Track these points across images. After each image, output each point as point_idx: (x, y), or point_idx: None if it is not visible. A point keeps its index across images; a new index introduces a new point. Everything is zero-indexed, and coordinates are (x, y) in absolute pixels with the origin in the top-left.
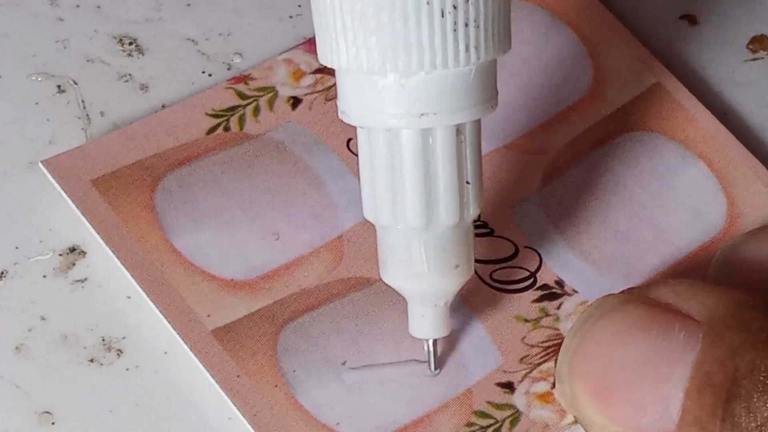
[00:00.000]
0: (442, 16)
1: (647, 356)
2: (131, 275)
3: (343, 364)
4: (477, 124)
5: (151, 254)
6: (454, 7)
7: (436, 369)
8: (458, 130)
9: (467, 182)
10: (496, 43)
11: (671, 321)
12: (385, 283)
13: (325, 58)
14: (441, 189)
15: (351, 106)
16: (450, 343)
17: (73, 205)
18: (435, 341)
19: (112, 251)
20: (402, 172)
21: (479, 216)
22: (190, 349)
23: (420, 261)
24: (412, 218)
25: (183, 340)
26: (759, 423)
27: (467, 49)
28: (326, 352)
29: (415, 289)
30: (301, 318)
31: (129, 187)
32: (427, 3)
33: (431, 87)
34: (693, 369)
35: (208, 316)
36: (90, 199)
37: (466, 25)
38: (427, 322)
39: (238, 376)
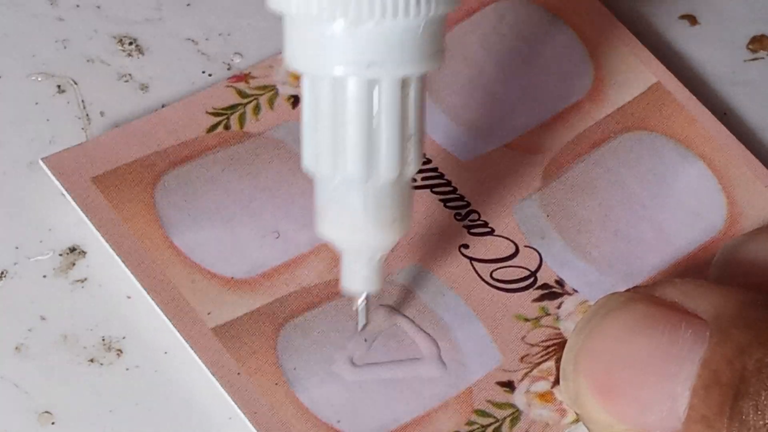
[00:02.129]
0: None
1: (653, 354)
2: (131, 273)
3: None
4: (423, 79)
5: (152, 252)
6: None
7: (362, 328)
8: (404, 83)
9: (409, 137)
10: None
11: (678, 319)
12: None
13: (274, 4)
14: (383, 142)
15: (297, 53)
16: (450, 341)
17: (73, 203)
18: (367, 296)
19: (112, 249)
20: (345, 123)
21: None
22: (191, 347)
23: (358, 213)
24: (352, 169)
25: (183, 338)
26: (767, 421)
27: (418, 0)
28: (326, 350)
29: (351, 241)
30: (302, 316)
31: (129, 184)
32: None
33: (380, 37)
34: (700, 367)
35: (209, 314)
36: (90, 196)
37: None
38: (360, 276)
39: (238, 373)
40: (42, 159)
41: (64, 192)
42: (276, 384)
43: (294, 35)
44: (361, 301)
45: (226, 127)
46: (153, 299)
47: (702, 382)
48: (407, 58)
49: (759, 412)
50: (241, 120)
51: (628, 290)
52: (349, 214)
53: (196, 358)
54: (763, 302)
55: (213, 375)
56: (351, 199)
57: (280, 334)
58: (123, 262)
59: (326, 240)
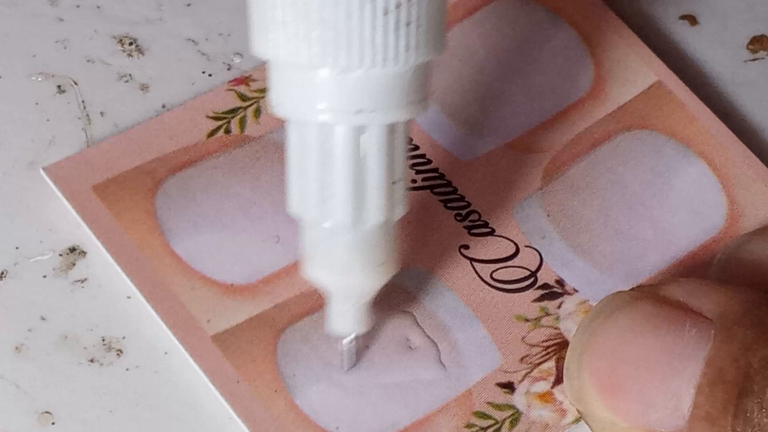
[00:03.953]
0: (385, 14)
1: (658, 353)
2: (131, 281)
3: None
4: (408, 124)
5: (152, 260)
6: (397, 6)
7: (347, 369)
8: (391, 128)
9: (394, 182)
10: (434, 44)
11: (682, 318)
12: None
13: (261, 50)
14: (371, 187)
15: (285, 99)
16: (450, 342)
17: (73, 212)
18: (354, 337)
19: (112, 257)
20: (333, 169)
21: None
22: (190, 355)
23: (346, 257)
24: (341, 215)
25: (183, 345)
26: None
27: (407, 48)
28: (326, 356)
29: (339, 285)
30: (301, 322)
31: (129, 191)
32: (371, 0)
33: (369, 84)
34: (705, 365)
35: (208, 321)
36: (90, 205)
37: (408, 24)
38: (348, 318)
39: (237, 381)
40: (42, 168)
41: (65, 201)
42: (276, 391)
43: (280, 81)
44: (348, 342)
45: (227, 131)
46: (153, 307)
47: (707, 380)
48: (395, 104)
49: (763, 410)
50: (242, 123)
51: (632, 289)
52: (337, 258)
53: (196, 366)
54: (767, 301)
55: (212, 383)
56: (339, 244)
57: (280, 340)
58: (123, 270)
59: (313, 284)
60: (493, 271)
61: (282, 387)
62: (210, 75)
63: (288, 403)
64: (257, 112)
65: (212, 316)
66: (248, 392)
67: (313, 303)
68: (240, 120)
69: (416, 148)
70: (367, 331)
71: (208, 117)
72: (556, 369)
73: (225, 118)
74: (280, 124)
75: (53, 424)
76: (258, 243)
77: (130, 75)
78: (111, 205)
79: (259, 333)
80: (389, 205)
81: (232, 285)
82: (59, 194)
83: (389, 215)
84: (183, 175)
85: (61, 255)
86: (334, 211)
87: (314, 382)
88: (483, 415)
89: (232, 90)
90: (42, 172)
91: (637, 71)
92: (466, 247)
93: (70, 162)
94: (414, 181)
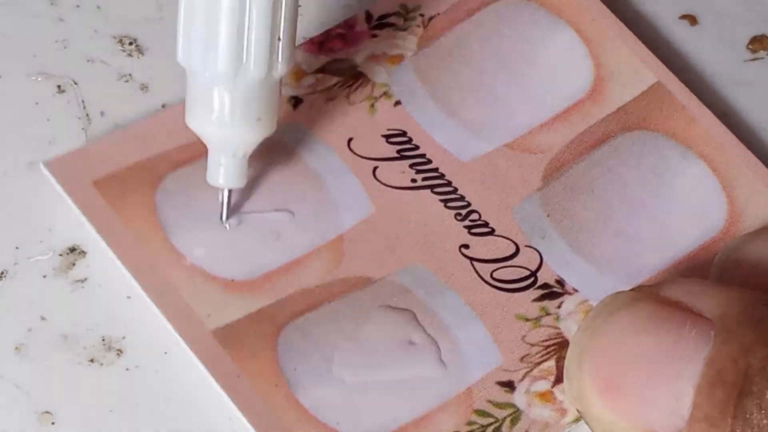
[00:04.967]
0: None
1: (658, 353)
2: (132, 276)
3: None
4: None
5: (152, 255)
6: None
7: (226, 220)
8: None
9: (279, 39)
10: None
11: (682, 318)
12: (192, 128)
13: None
14: (253, 41)
15: None
16: (450, 341)
17: (74, 207)
18: (230, 191)
19: (113, 252)
20: (218, 20)
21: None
22: (191, 349)
23: (224, 109)
24: (221, 65)
25: (183, 340)
26: None
27: None
28: (326, 351)
29: (216, 136)
30: (302, 318)
31: (130, 187)
32: None
33: None
34: (705, 366)
35: (209, 316)
36: (91, 200)
37: None
38: (223, 171)
39: (238, 375)
40: (43, 163)
41: (65, 196)
42: (276, 386)
43: None
44: (223, 196)
45: None
46: (153, 302)
47: (706, 381)
48: None
49: (763, 411)
50: None
51: (632, 289)
52: (215, 109)
53: (196, 362)
54: (767, 301)
55: (213, 377)
56: (218, 95)
57: (281, 336)
58: (124, 264)
59: (194, 133)
60: (493, 271)
61: (283, 382)
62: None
63: (289, 398)
64: None
65: (213, 311)
66: (249, 387)
67: (314, 299)
68: None
69: (416, 147)
70: (242, 186)
71: None
72: (557, 368)
73: None
74: (281, 122)
75: (53, 424)
76: (258, 239)
77: (130, 75)
78: (112, 200)
79: (260, 328)
80: (270, 61)
81: (232, 280)
82: (59, 189)
83: (269, 71)
84: (183, 172)
85: (61, 255)
86: (216, 61)
87: (315, 377)
88: (483, 413)
89: None
90: (42, 167)
91: (636, 72)
92: (466, 246)
93: (70, 157)
94: (414, 180)
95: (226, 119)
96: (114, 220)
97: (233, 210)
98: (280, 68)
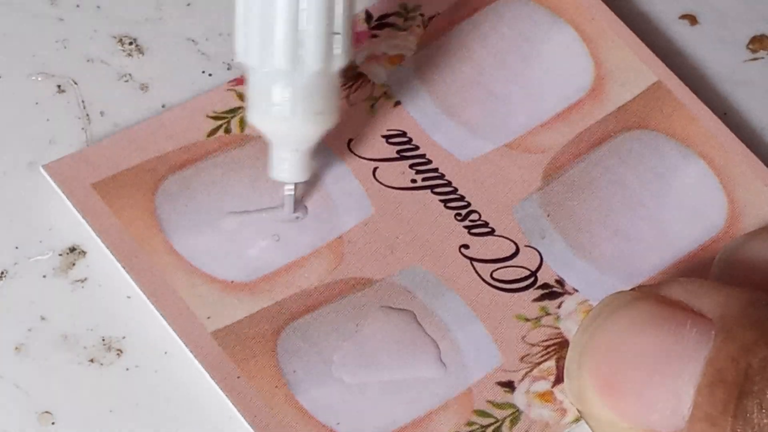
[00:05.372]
0: None
1: (658, 353)
2: (132, 278)
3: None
4: None
5: (152, 257)
6: None
7: (294, 213)
8: None
9: (336, 32)
10: None
11: (683, 318)
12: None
13: None
14: (310, 35)
15: None
16: (450, 342)
17: (74, 209)
18: (295, 185)
19: (113, 254)
20: (274, 16)
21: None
22: (190, 351)
23: (284, 104)
24: (278, 61)
25: (183, 342)
26: None
27: None
28: (326, 352)
29: (277, 132)
30: (301, 319)
31: (130, 190)
32: None
33: None
34: (705, 366)
35: (209, 317)
36: (91, 202)
37: None
38: (287, 166)
39: (238, 377)
40: (43, 166)
41: (65, 198)
42: (276, 387)
43: None
44: (288, 190)
45: (227, 131)
46: (153, 304)
47: (706, 381)
48: None
49: (763, 411)
50: (242, 123)
51: (633, 289)
52: (276, 104)
53: (196, 362)
54: (767, 301)
55: (213, 379)
56: (278, 90)
57: (280, 337)
58: (123, 267)
59: (256, 130)
60: (493, 271)
61: (282, 383)
62: (210, 75)
63: (288, 398)
64: None
65: (212, 312)
66: (248, 388)
67: (313, 301)
68: (240, 120)
69: (416, 148)
70: (306, 180)
71: (208, 116)
72: (557, 368)
73: (225, 117)
74: None
75: (53, 424)
76: (258, 241)
77: (129, 75)
78: (111, 202)
79: (260, 330)
80: (327, 55)
81: (232, 282)
82: (59, 192)
83: (326, 65)
84: (183, 174)
85: (60, 255)
86: (273, 57)
87: (315, 378)
88: (483, 414)
89: (231, 90)
90: (42, 170)
91: (636, 71)
92: (466, 246)
93: (70, 160)
94: (414, 181)
95: (287, 114)
96: (113, 223)
97: (233, 210)
98: (338, 61)
